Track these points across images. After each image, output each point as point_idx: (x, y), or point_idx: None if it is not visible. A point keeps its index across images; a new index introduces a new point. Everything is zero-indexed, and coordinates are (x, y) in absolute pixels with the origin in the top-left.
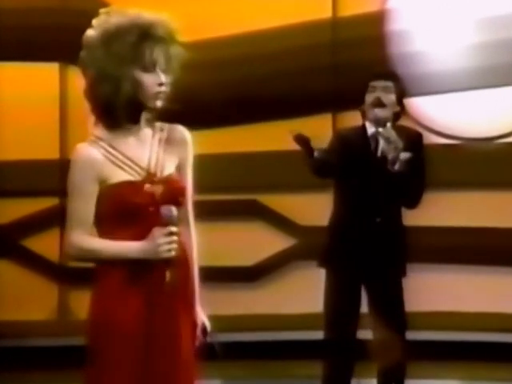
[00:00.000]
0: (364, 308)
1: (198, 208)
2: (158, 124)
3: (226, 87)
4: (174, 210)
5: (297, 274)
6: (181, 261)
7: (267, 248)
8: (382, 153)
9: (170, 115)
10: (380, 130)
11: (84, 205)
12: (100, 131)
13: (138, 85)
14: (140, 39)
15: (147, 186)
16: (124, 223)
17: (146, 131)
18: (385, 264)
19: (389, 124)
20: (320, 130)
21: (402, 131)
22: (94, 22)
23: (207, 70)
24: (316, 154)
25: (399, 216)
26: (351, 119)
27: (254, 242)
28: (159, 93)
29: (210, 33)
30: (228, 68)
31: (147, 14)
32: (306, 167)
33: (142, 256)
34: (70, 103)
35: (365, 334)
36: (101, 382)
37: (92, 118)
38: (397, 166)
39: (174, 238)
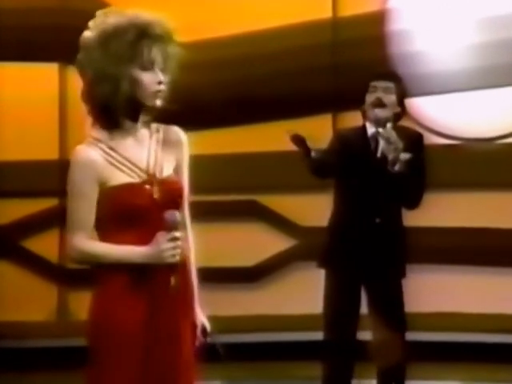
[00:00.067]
0: (364, 308)
1: (198, 209)
2: (154, 125)
3: (226, 87)
4: (177, 214)
5: (297, 275)
6: (180, 263)
7: (267, 249)
8: (382, 153)
9: (170, 115)
10: (380, 130)
11: (85, 206)
12: (98, 133)
13: (136, 84)
14: (138, 38)
15: (147, 188)
16: (124, 225)
17: (143, 132)
18: (385, 264)
19: (389, 124)
20: (320, 130)
21: (403, 132)
22: (91, 23)
23: (207, 70)
24: (313, 154)
25: (399, 216)
26: (351, 119)
27: (254, 243)
28: (158, 91)
29: (210, 33)
30: (228, 68)
31: (144, 14)
32: (305, 168)
33: (146, 261)
34: (69, 103)
35: (365, 334)
36: (101, 383)
37: (89, 121)
38: (397, 167)
39: (178, 242)
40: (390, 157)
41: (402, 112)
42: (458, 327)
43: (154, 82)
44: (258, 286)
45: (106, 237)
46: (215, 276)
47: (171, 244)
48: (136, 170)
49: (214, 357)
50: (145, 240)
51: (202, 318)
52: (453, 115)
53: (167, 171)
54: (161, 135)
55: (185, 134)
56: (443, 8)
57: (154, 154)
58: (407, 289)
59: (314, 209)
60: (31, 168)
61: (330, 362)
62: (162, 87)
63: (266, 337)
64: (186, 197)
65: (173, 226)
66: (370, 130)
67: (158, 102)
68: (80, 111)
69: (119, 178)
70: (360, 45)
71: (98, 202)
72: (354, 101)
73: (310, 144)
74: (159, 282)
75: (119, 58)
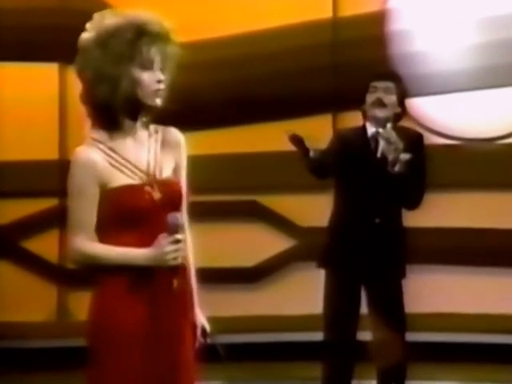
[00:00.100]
0: (364, 309)
1: (198, 209)
2: (153, 126)
3: (226, 87)
4: (180, 217)
5: (297, 275)
6: (181, 264)
7: (267, 249)
8: (382, 153)
9: (170, 115)
10: (380, 130)
11: (85, 207)
12: (97, 134)
13: (136, 83)
14: (137, 37)
15: (147, 189)
16: (125, 227)
17: (142, 133)
18: (385, 265)
19: (389, 125)
20: (320, 130)
21: (403, 132)
22: (88, 25)
23: (207, 70)
24: (312, 153)
25: (399, 217)
26: (351, 119)
27: (254, 243)
28: (158, 90)
29: (210, 33)
30: (228, 68)
31: (143, 14)
32: (305, 168)
33: (148, 263)
34: (69, 103)
35: (365, 334)
36: (101, 383)
37: (89, 123)
38: (397, 167)
39: (180, 245)
40: (390, 157)
41: (402, 112)
42: (458, 327)
43: (154, 80)
44: (258, 286)
45: (106, 238)
46: (215, 276)
47: (173, 247)
48: (136, 171)
49: (214, 357)
50: (145, 241)
51: (201, 318)
52: (453, 115)
53: (167, 172)
54: (160, 136)
55: (182, 136)
56: (443, 8)
57: (154, 155)
58: (407, 289)
59: (314, 209)
60: (31, 168)
61: (330, 363)
62: (162, 86)
63: (266, 337)
64: (185, 198)
65: (175, 229)
66: (370, 130)
67: (158, 101)
68: (80, 111)
69: (119, 179)
70: (360, 45)
71: (99, 204)
72: (354, 101)
73: (308, 144)
74: (160, 284)
75: (118, 57)
